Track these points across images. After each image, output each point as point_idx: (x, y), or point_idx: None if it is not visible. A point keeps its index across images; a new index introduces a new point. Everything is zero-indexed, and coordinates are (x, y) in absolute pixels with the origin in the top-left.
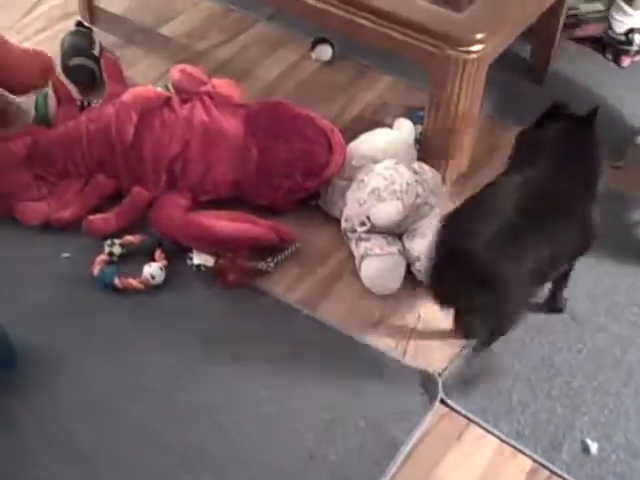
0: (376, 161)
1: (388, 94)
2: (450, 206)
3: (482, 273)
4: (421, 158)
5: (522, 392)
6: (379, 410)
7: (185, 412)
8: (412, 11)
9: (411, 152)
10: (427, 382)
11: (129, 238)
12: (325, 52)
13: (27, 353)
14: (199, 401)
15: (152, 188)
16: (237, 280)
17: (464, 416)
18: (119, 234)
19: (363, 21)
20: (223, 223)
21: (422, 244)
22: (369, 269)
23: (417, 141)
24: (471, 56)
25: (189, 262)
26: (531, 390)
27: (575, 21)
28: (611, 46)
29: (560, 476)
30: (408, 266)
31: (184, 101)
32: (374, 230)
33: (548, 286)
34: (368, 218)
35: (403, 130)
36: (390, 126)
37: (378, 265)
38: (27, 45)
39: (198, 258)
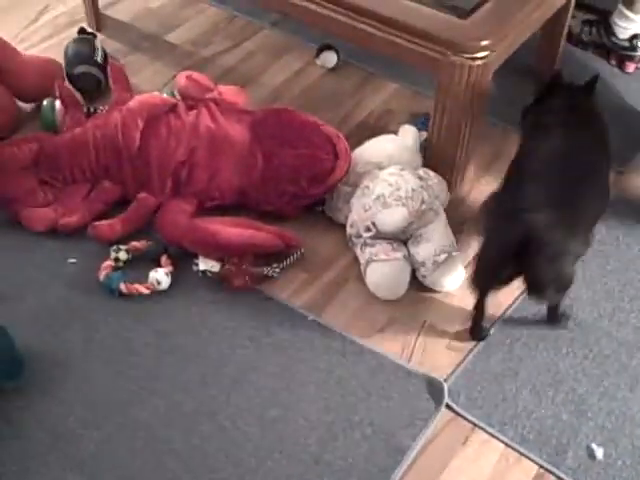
0: (381, 167)
1: (393, 100)
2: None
3: (554, 248)
4: (426, 164)
5: (527, 397)
6: (384, 415)
7: (188, 417)
8: (417, 18)
9: (416, 158)
10: (433, 387)
11: (135, 244)
12: (330, 59)
13: (32, 358)
14: (203, 405)
15: (158, 194)
16: (242, 285)
17: (469, 421)
18: (125, 240)
19: (368, 28)
20: (228, 229)
21: (427, 249)
22: (374, 274)
23: (422, 147)
24: (476, 62)
25: (194, 268)
26: (536, 395)
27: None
28: (615, 52)
29: None
30: (413, 272)
31: (190, 108)
32: (379, 236)
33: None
34: (373, 224)
35: (408, 136)
36: (395, 132)
37: (383, 270)
38: (33, 52)
39: (204, 264)
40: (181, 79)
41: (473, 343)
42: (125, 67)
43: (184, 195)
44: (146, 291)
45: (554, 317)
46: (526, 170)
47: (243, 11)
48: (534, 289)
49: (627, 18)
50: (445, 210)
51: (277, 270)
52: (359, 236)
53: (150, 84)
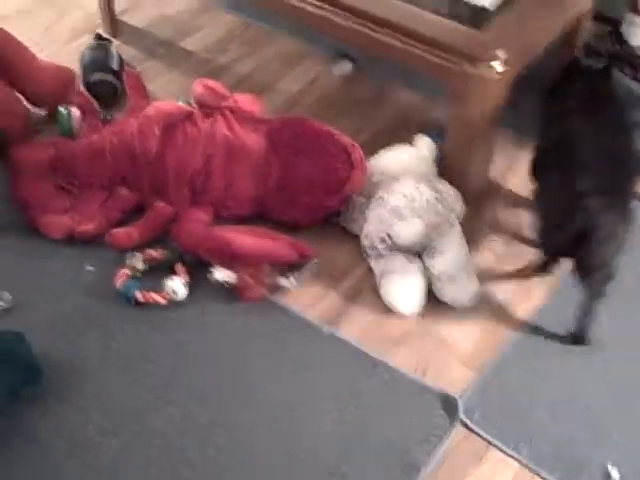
0: (396, 178)
1: (408, 110)
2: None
3: (609, 231)
4: (441, 175)
5: (543, 414)
6: (399, 430)
7: (204, 427)
8: (433, 28)
9: (431, 169)
10: (447, 404)
11: (151, 252)
12: (345, 67)
13: (49, 365)
14: (218, 416)
15: (174, 202)
16: (257, 295)
17: (484, 439)
18: (140, 247)
19: (384, 37)
20: (243, 238)
21: (442, 262)
22: (389, 287)
23: (437, 158)
24: (493, 74)
25: (209, 276)
26: (552, 412)
27: None
28: (629, 61)
29: None
30: (428, 284)
31: (206, 115)
32: (394, 248)
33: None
34: (388, 236)
35: (423, 147)
36: (410, 142)
37: (398, 283)
38: (50, 58)
39: (219, 273)
40: (197, 87)
41: (488, 359)
42: (141, 74)
43: (200, 203)
44: (162, 301)
45: (581, 329)
46: (576, 156)
47: (258, 18)
48: (584, 274)
49: (637, 25)
50: (460, 222)
51: (292, 281)
52: (373, 247)
53: (166, 91)
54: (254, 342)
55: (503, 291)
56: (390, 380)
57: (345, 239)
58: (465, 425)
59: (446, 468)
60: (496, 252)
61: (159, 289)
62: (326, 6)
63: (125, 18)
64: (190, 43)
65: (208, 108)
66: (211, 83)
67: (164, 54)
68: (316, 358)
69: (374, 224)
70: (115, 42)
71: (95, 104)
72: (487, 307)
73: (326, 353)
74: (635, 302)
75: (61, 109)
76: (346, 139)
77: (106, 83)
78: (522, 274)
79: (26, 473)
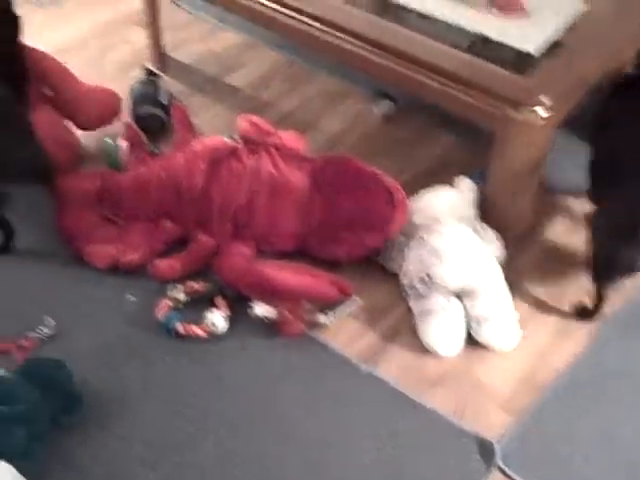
0: (437, 219)
1: (449, 152)
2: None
3: None
4: (482, 217)
5: (581, 464)
6: (435, 473)
7: (241, 462)
8: (477, 72)
9: (472, 211)
10: (484, 448)
11: (193, 285)
12: (386, 106)
13: (90, 393)
14: (254, 452)
15: (217, 236)
16: (296, 331)
17: None
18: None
19: (426, 79)
20: (284, 274)
21: (482, 306)
22: (428, 328)
23: (478, 200)
24: (537, 119)
25: (250, 311)
26: (591, 462)
27: None
28: None
29: None
30: (467, 326)
31: (251, 152)
32: (433, 288)
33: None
34: (428, 276)
35: (464, 189)
36: (451, 184)
37: (437, 324)
38: None
39: (259, 308)
40: (242, 122)
41: (527, 404)
42: (187, 108)
43: (243, 238)
44: (203, 334)
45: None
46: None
47: (301, 56)
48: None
49: None
50: (500, 264)
51: (331, 318)
52: (412, 287)
53: (210, 126)
54: (293, 377)
55: (543, 335)
56: (427, 421)
57: (385, 278)
58: (502, 471)
59: None
60: (536, 295)
61: (199, 321)
62: (367, 46)
63: (173, 54)
64: (235, 79)
65: (253, 144)
66: (255, 119)
67: (210, 89)
68: (354, 396)
69: (414, 264)
70: (162, 76)
71: (143, 137)
72: (526, 350)
73: (364, 391)
74: None
75: (109, 141)
76: (389, 179)
77: (155, 117)
78: (567, 315)
79: None
